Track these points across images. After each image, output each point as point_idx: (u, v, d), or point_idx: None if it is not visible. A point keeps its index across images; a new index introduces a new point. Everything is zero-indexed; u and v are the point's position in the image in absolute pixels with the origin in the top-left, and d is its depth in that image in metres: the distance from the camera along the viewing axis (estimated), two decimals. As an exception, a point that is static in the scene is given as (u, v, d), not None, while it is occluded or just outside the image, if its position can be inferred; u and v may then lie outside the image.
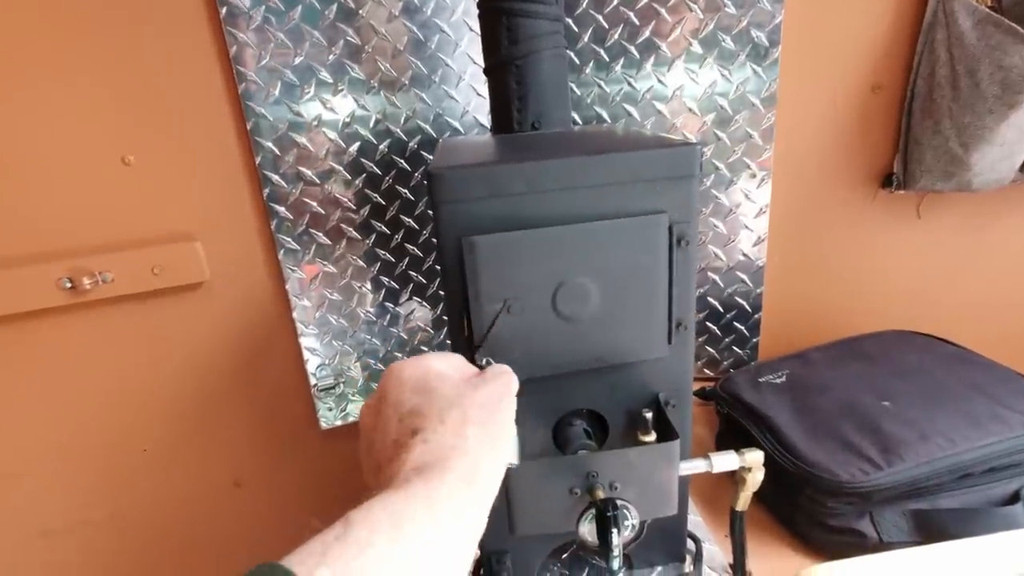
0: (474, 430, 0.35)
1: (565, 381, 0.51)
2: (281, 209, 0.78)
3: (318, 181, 0.78)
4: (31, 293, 0.73)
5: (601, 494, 0.48)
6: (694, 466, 0.52)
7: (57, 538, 0.85)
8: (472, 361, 0.44)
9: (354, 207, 0.81)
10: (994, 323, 1.00)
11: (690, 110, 0.82)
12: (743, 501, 0.56)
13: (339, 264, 0.83)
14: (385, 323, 0.88)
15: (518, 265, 0.46)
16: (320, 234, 0.81)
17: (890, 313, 0.97)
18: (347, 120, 0.77)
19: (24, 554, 0.85)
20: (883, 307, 0.98)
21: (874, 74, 0.85)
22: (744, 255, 0.90)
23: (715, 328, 0.94)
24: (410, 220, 0.83)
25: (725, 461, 0.52)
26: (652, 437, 0.51)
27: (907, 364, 0.79)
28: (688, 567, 0.62)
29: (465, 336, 0.48)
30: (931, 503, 0.63)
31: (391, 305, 0.87)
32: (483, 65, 0.66)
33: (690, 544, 0.63)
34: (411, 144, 0.80)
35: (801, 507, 0.66)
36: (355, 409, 0.91)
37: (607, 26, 0.78)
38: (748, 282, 0.92)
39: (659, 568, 0.63)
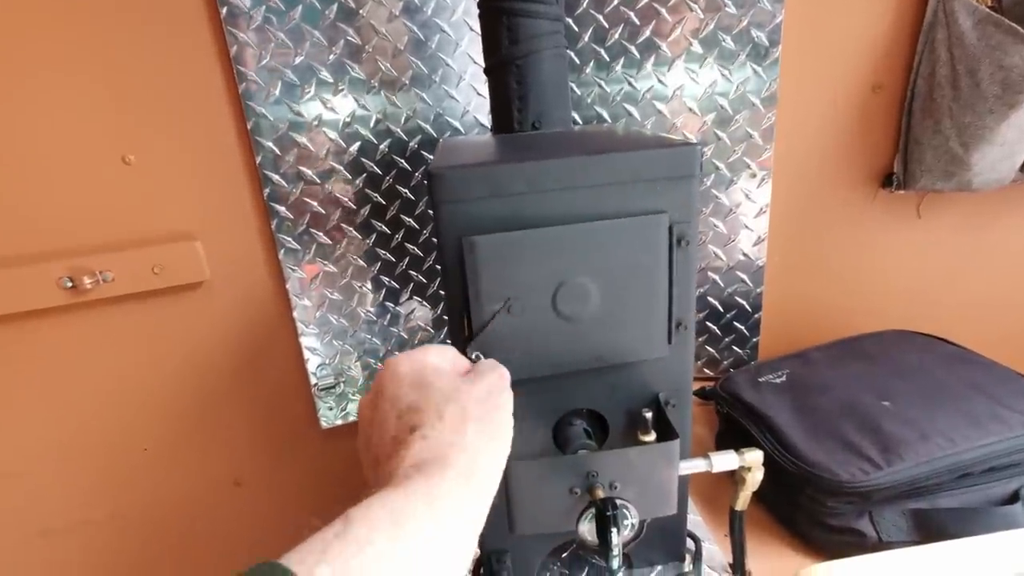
0: (473, 426, 0.35)
1: (565, 381, 0.51)
2: (281, 209, 0.79)
3: (318, 181, 0.78)
4: (31, 292, 0.73)
5: (601, 493, 0.48)
6: (694, 466, 0.52)
7: (57, 537, 0.85)
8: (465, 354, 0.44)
9: (354, 207, 0.81)
10: (994, 323, 1.00)
11: (690, 110, 0.82)
12: (743, 501, 0.56)
13: (339, 264, 0.83)
14: (385, 323, 0.88)
15: (518, 265, 0.46)
16: (320, 234, 0.81)
17: (890, 313, 0.97)
18: (347, 120, 0.77)
19: (24, 553, 0.85)
20: (883, 307, 0.98)
21: (874, 74, 0.85)
22: (744, 255, 0.90)
23: (715, 328, 0.95)
24: (410, 220, 0.83)
25: (725, 461, 0.52)
26: (652, 437, 0.51)
27: (907, 364, 0.79)
28: (688, 566, 0.62)
29: (465, 336, 0.48)
30: (931, 503, 0.63)
31: (391, 305, 0.87)
32: (483, 65, 0.66)
33: (690, 543, 0.63)
34: (411, 144, 0.80)
35: (801, 507, 0.67)
36: (355, 408, 0.90)
37: (607, 26, 0.78)
38: (748, 282, 0.92)
39: (659, 567, 0.63)
